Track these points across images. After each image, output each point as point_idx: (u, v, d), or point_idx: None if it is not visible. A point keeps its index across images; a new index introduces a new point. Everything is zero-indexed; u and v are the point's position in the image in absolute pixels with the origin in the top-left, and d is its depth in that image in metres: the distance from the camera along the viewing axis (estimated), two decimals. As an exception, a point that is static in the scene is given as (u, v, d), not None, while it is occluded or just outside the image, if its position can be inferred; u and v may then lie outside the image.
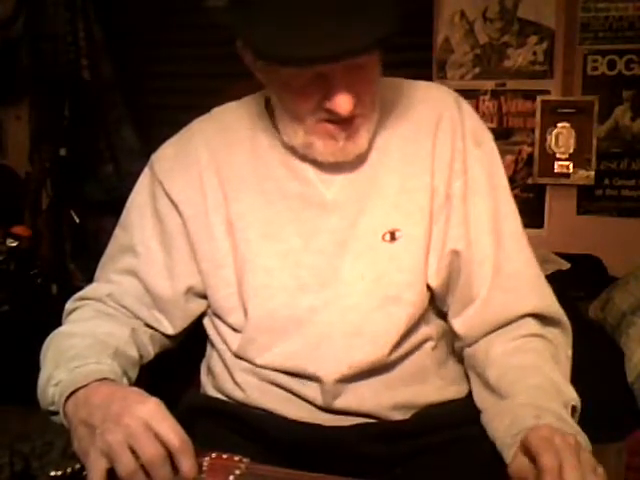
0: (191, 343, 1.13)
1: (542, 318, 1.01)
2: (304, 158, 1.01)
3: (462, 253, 1.02)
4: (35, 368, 0.97)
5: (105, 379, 0.89)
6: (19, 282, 2.66)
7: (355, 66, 0.90)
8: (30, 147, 2.93)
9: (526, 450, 0.81)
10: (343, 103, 0.91)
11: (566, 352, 1.00)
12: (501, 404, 0.93)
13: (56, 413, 0.90)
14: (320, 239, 1.01)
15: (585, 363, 1.00)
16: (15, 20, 2.77)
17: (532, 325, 1.00)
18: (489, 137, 1.07)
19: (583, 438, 0.85)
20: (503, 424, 0.89)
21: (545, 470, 0.76)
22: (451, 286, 1.04)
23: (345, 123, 0.94)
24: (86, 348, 0.94)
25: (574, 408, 0.91)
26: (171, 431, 0.80)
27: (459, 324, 1.03)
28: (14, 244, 2.68)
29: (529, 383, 0.92)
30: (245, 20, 0.89)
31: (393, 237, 1.01)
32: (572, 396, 0.92)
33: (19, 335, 2.27)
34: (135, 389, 0.89)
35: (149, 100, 3.02)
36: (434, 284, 1.03)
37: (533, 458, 0.79)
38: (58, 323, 1.07)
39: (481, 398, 1.00)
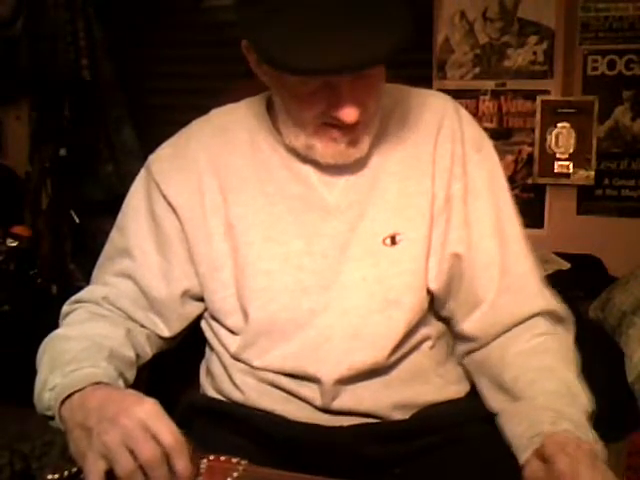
0: (191, 343, 1.13)
1: (551, 316, 1.02)
2: (305, 160, 1.01)
3: (463, 256, 1.02)
4: (35, 368, 0.97)
5: (100, 383, 0.88)
6: (19, 282, 2.65)
7: (363, 75, 0.90)
8: (30, 147, 2.92)
9: (541, 455, 0.82)
10: (350, 113, 0.90)
11: (573, 348, 1.01)
12: (518, 406, 0.93)
13: (53, 417, 0.90)
14: (321, 242, 1.01)
15: (585, 363, 1.00)
16: (15, 20, 2.77)
17: (543, 324, 1.01)
18: (489, 144, 1.08)
19: (599, 446, 0.85)
20: (520, 427, 0.90)
21: (561, 475, 0.77)
22: (453, 290, 1.04)
23: (348, 128, 0.94)
24: (81, 351, 0.94)
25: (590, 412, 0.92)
26: (167, 431, 0.80)
27: (468, 327, 1.03)
28: (14, 244, 2.67)
29: (546, 387, 0.93)
30: (254, 21, 0.87)
31: (394, 241, 1.01)
32: (587, 401, 0.92)
33: (19, 335, 2.27)
34: (131, 391, 0.89)
35: (149, 100, 3.01)
36: (434, 287, 1.03)
37: (548, 463, 0.80)
38: (58, 323, 1.06)
39: (496, 401, 1.00)
